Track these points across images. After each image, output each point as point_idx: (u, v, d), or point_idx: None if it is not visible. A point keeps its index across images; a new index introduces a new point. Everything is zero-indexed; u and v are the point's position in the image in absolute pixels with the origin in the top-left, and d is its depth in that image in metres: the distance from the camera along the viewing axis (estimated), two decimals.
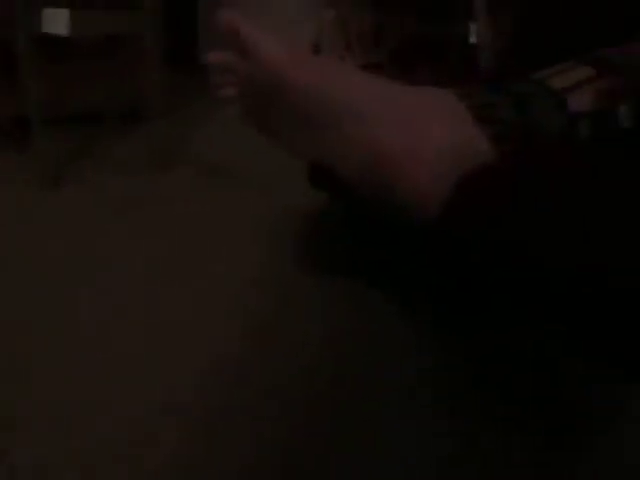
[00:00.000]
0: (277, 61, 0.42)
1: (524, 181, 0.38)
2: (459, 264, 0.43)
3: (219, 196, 1.09)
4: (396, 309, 0.66)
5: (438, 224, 0.40)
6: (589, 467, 0.54)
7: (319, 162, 0.45)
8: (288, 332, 0.70)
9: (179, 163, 1.28)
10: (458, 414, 0.58)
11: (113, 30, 1.30)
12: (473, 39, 1.07)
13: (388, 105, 0.42)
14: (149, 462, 0.53)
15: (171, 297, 0.76)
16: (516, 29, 0.74)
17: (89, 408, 0.58)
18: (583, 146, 0.42)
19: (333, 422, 0.58)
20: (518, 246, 0.37)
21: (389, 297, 0.62)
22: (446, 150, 0.41)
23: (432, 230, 0.41)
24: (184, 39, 1.59)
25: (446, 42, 1.20)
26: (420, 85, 0.47)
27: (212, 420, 0.58)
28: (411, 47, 1.26)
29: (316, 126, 0.42)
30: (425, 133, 0.41)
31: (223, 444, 0.55)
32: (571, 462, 0.55)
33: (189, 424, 0.57)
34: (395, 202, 0.42)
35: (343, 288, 0.70)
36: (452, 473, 0.54)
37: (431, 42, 1.23)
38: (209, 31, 1.28)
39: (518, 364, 0.61)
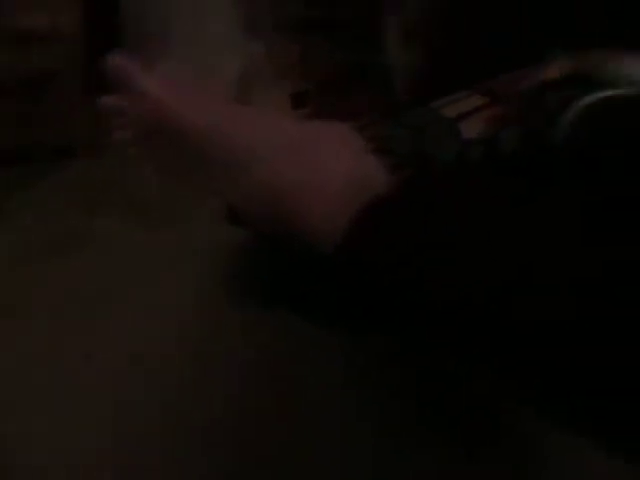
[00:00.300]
0: (170, 103, 0.42)
1: (413, 207, 0.40)
2: (365, 291, 0.43)
3: (147, 235, 1.08)
4: (321, 333, 0.67)
5: (337, 256, 0.41)
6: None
7: (223, 201, 0.45)
8: (218, 364, 0.70)
9: (108, 202, 1.25)
10: (385, 433, 0.59)
11: (26, 68, 1.27)
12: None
13: (288, 145, 0.43)
14: None
15: (92, 343, 0.75)
16: (426, 59, 0.77)
17: None
18: (471, 170, 0.44)
19: (266, 445, 0.58)
20: (414, 273, 0.38)
21: (313, 323, 0.63)
22: (347, 185, 0.42)
23: (336, 261, 0.42)
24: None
25: (372, 70, 1.23)
26: (352, 113, 0.48)
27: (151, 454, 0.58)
28: (340, 76, 1.29)
29: (217, 168, 0.43)
30: (325, 170, 0.42)
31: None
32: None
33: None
34: (301, 239, 0.43)
35: (268, 318, 0.70)
36: None
37: (358, 70, 1.26)
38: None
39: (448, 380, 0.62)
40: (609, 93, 0.39)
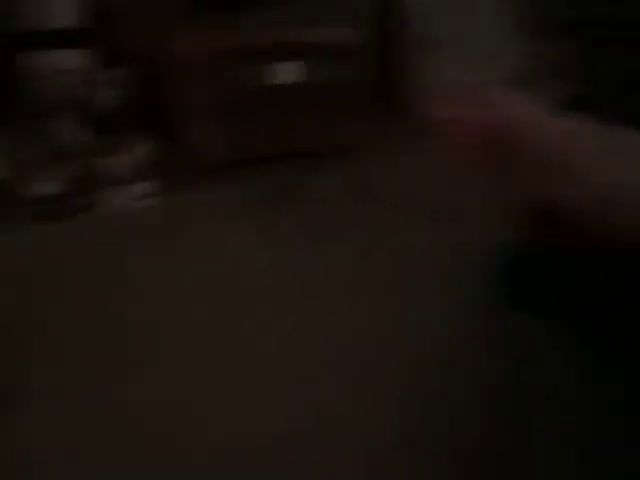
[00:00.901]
0: (524, 120, 0.49)
1: None
2: None
3: (411, 231, 1.16)
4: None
5: None
6: None
7: (552, 201, 0.51)
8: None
9: (376, 199, 1.37)
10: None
11: (335, 79, 1.44)
12: None
13: (606, 153, 0.47)
14: None
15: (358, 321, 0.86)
16: None
17: None
18: None
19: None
20: None
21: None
22: None
23: None
24: (390, 79, 1.69)
25: None
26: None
27: None
28: (621, 81, 1.22)
29: (550, 174, 0.48)
30: None
31: None
32: None
33: None
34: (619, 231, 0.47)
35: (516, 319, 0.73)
36: None
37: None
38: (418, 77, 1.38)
39: None
40: None
